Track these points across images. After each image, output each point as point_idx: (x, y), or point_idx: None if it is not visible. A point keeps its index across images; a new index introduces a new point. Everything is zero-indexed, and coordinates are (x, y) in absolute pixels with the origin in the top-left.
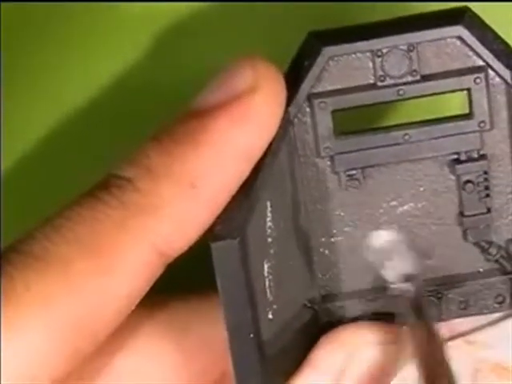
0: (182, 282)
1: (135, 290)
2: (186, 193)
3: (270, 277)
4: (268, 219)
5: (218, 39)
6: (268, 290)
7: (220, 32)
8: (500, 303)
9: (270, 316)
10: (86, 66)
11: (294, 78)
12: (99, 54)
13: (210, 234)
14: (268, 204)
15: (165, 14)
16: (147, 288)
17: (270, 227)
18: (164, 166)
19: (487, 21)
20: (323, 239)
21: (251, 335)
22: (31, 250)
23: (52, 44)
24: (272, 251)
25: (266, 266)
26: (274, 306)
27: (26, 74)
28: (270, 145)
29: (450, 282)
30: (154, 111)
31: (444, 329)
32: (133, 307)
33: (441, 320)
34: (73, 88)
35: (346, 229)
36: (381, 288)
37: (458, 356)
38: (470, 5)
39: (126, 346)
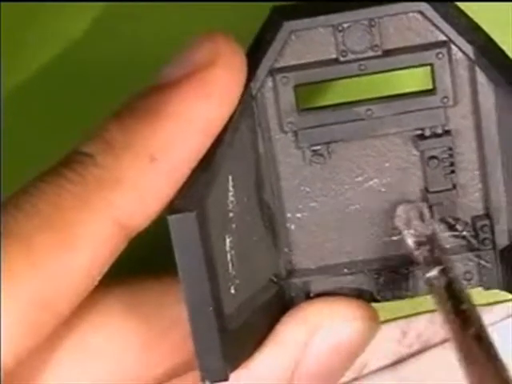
0: (155, 260)
1: (97, 263)
2: (146, 166)
3: (232, 252)
4: (230, 194)
5: (182, 15)
6: (230, 265)
7: (183, 7)
8: (468, 280)
9: (233, 291)
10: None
11: (255, 53)
12: (69, 26)
13: (168, 207)
14: (230, 178)
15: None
16: (110, 262)
17: (231, 202)
18: (124, 141)
19: (484, 21)
20: (289, 215)
21: (210, 308)
22: None
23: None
24: (234, 226)
25: (227, 241)
26: (237, 281)
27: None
28: (231, 119)
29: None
30: (119, 88)
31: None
32: (96, 282)
33: (408, 296)
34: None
35: (312, 204)
36: (348, 263)
37: None
38: (468, 4)
39: (96, 324)
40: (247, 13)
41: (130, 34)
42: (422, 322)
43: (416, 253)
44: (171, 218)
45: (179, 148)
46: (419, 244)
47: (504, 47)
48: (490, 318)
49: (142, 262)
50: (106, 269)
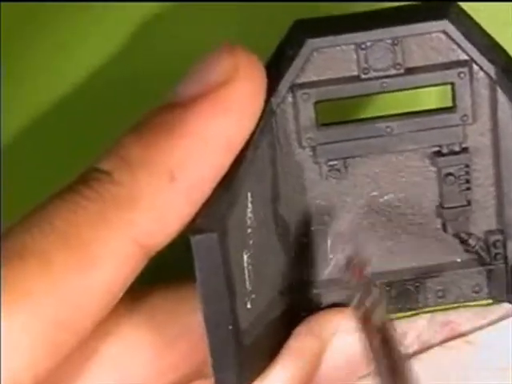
0: (170, 272)
1: (117, 283)
2: (165, 184)
3: (250, 267)
4: (249, 210)
5: (202, 30)
6: (247, 281)
7: (203, 22)
8: (477, 292)
9: (249, 306)
10: (75, 61)
11: (276, 67)
12: (87, 44)
13: (190, 227)
14: (249, 195)
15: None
16: (130, 281)
17: (250, 218)
18: (142, 158)
19: (483, 20)
20: (302, 228)
21: (230, 327)
22: (10, 245)
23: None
24: (251, 242)
25: (245, 257)
26: (253, 296)
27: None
28: (252, 135)
29: (428, 271)
30: (137, 103)
31: (444, 329)
32: (115, 301)
33: (418, 308)
34: (64, 83)
35: (326, 218)
36: None
37: (458, 356)
38: (466, 4)
39: (110, 334)
40: (265, 23)
41: (145, 49)
42: (421, 322)
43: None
44: (194, 239)
45: (198, 166)
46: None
47: (505, 47)
48: (490, 317)
49: (153, 271)
50: (126, 287)
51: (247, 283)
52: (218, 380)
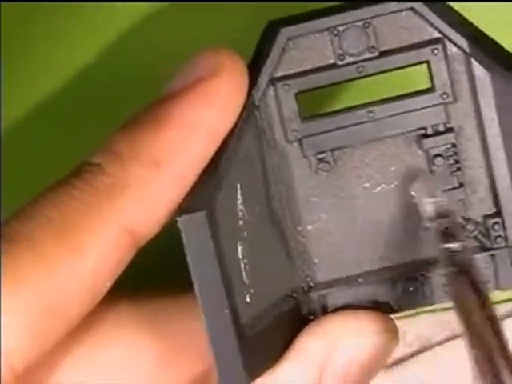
0: (170, 276)
1: (106, 270)
2: (151, 172)
3: (245, 260)
4: (239, 202)
5: (195, 31)
6: (244, 273)
7: (197, 23)
8: (485, 282)
9: (248, 299)
10: (74, 58)
11: (256, 62)
12: (82, 46)
13: (177, 210)
14: (238, 186)
15: (141, 9)
16: (119, 269)
17: (241, 210)
18: (130, 149)
19: (482, 20)
20: (298, 227)
21: (226, 311)
22: (3, 234)
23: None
24: (245, 234)
25: (239, 248)
26: (252, 290)
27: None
28: (235, 127)
29: (430, 263)
30: (132, 101)
31: (444, 329)
32: (106, 289)
33: (426, 304)
34: (52, 79)
35: (322, 215)
36: (363, 274)
37: (458, 356)
38: (467, 4)
39: (108, 337)
40: (252, 29)
41: (133, 51)
42: (422, 322)
43: (434, 223)
44: (181, 219)
45: (184, 154)
46: (438, 216)
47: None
48: None
49: (156, 275)
50: (115, 276)
51: (244, 276)
52: (221, 370)
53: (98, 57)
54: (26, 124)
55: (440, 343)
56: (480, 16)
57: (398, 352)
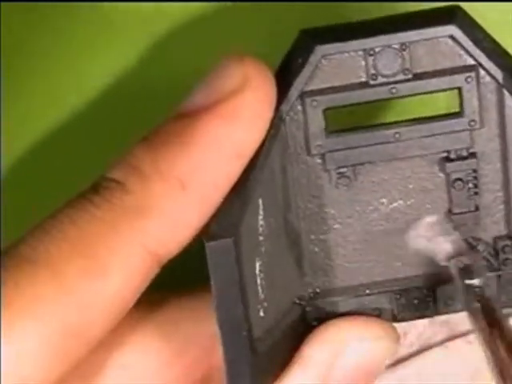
0: (178, 280)
1: (128, 291)
2: (176, 193)
3: (262, 275)
4: (260, 217)
5: (213, 40)
6: (260, 288)
7: (215, 33)
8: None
9: (262, 314)
10: (83, 67)
11: (285, 75)
12: (96, 55)
13: (205, 233)
14: (260, 202)
15: (160, 14)
16: (141, 290)
17: (261, 225)
18: (153, 167)
19: (482, 21)
20: (313, 236)
21: (244, 333)
22: (21, 253)
23: (51, 44)
24: (263, 249)
25: (257, 265)
26: (265, 304)
27: (24, 75)
28: (262, 143)
29: (437, 278)
30: (149, 113)
31: (444, 329)
32: (127, 310)
33: (427, 316)
34: (68, 89)
35: (336, 226)
36: (370, 284)
37: (458, 356)
38: (467, 4)
39: (116, 343)
40: (272, 32)
41: (155, 60)
42: (422, 322)
43: (450, 263)
44: (209, 245)
45: (209, 174)
46: (456, 254)
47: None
48: None
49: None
50: (137, 296)
51: (260, 291)
52: None
53: (101, 59)
54: (26, 124)
55: (440, 343)
56: (481, 16)
57: (398, 352)
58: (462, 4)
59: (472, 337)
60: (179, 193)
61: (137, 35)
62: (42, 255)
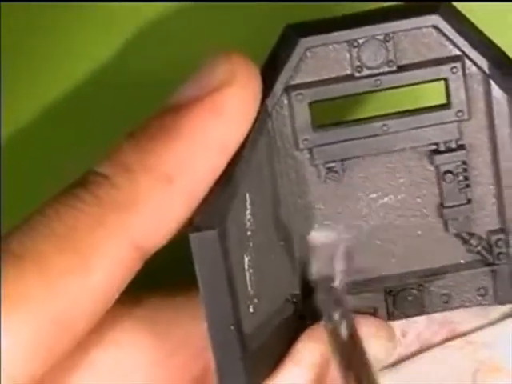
0: (167, 277)
1: (113, 285)
2: (162, 187)
3: (251, 270)
4: (247, 212)
5: (202, 37)
6: (249, 284)
7: (203, 29)
8: (483, 295)
9: (251, 310)
10: (76, 61)
11: (271, 70)
12: (88, 50)
13: (189, 225)
14: (247, 196)
15: (151, 10)
16: (125, 283)
17: (249, 220)
18: (139, 162)
19: (483, 20)
20: (303, 233)
21: (232, 327)
22: (8, 247)
23: (51, 43)
24: (252, 244)
25: (246, 260)
26: (255, 300)
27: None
28: (248, 137)
29: (432, 274)
30: (137, 107)
31: (444, 329)
32: (111, 303)
33: (423, 313)
34: (62, 82)
35: (326, 222)
36: (363, 282)
37: (458, 356)
38: (468, 4)
39: (106, 340)
40: (259, 28)
41: (146, 50)
42: (422, 322)
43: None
44: (193, 236)
45: (196, 168)
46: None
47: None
48: (490, 317)
49: (154, 274)
50: (121, 289)
51: (249, 287)
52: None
53: (100, 58)
54: (26, 125)
55: (440, 343)
56: (480, 16)
57: (398, 352)
58: (458, 4)
59: (472, 337)
60: (165, 187)
61: (128, 30)
62: (30, 251)
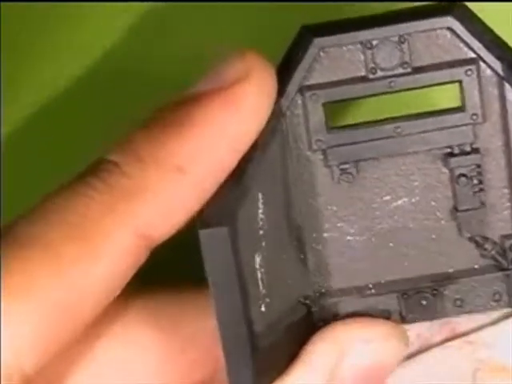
0: (173, 271)
1: (120, 273)
2: (173, 177)
3: (262, 269)
4: (260, 211)
5: (202, 37)
6: (260, 283)
7: (204, 30)
8: (497, 301)
9: (263, 309)
10: (76, 61)
11: (286, 70)
12: (88, 49)
13: (199, 221)
14: (260, 196)
15: (151, 10)
16: (132, 272)
17: (261, 219)
18: (150, 151)
19: (486, 20)
20: (315, 234)
21: (242, 324)
22: (16, 235)
23: (50, 43)
24: (264, 244)
25: (257, 259)
26: (267, 300)
27: (23, 72)
28: (261, 137)
29: (445, 278)
30: (148, 98)
31: (444, 329)
32: (117, 292)
33: (436, 318)
34: (62, 81)
35: (339, 224)
36: (376, 284)
37: (458, 356)
38: (479, 4)
39: (111, 334)
40: (275, 28)
41: (160, 49)
42: (421, 322)
43: None
44: (203, 233)
45: (207, 160)
46: None
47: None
48: (490, 317)
49: (164, 269)
50: (128, 278)
51: (260, 286)
52: (233, 381)
53: (101, 58)
54: (27, 125)
55: (440, 343)
56: (491, 16)
57: None
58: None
59: (472, 337)
60: (176, 178)
61: (137, 22)
62: (37, 237)
